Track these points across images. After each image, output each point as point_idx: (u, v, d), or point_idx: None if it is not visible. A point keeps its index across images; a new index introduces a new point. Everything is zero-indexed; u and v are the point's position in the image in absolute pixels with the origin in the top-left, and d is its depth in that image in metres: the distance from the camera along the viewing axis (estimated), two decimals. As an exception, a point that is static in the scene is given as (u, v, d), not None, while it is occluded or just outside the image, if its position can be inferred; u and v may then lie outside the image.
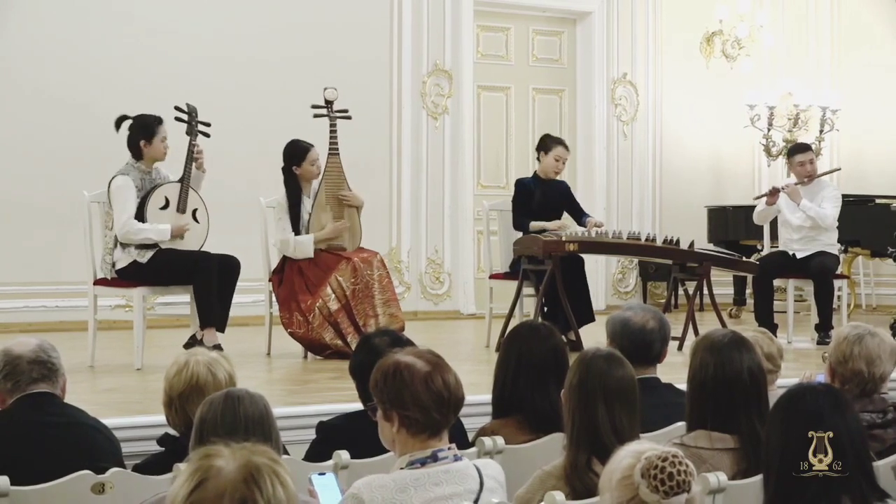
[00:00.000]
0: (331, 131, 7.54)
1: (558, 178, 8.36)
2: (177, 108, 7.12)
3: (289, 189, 7.46)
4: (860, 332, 3.99)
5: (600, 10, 11.46)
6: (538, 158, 8.28)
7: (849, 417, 2.82)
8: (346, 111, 7.61)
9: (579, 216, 8.26)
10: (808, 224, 8.36)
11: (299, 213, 7.44)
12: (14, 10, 9.16)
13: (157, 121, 6.93)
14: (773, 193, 8.55)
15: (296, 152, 7.46)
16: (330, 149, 7.51)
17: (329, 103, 7.59)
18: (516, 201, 8.21)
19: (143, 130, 6.89)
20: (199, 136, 7.10)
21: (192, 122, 7.10)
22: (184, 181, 6.96)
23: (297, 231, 7.41)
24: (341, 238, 7.51)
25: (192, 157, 6.99)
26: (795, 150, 8.76)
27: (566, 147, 8.29)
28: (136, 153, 6.92)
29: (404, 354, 3.10)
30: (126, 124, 6.94)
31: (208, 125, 7.13)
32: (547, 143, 8.24)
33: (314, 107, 7.60)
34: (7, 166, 9.01)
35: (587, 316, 7.81)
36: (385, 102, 10.34)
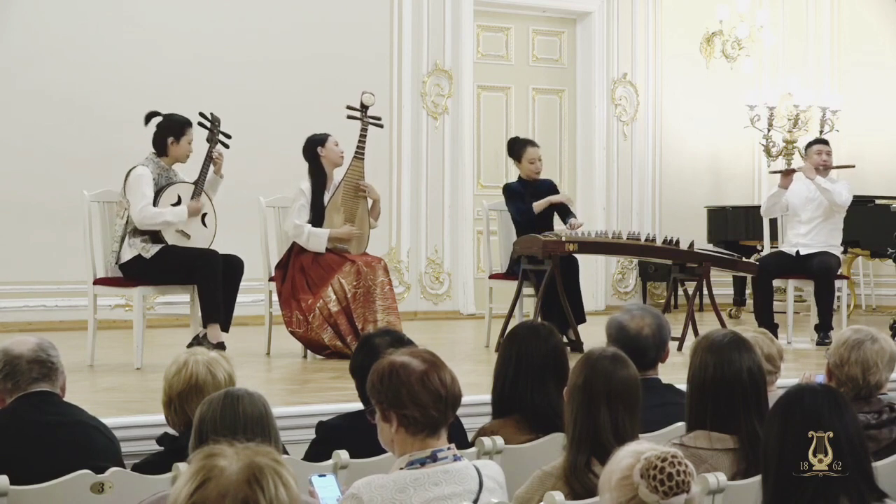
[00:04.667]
0: (360, 135, 7.53)
1: (542, 177, 8.36)
2: (201, 115, 7.15)
3: (315, 175, 7.44)
4: (861, 337, 3.97)
5: (600, 10, 11.46)
6: (517, 165, 8.29)
7: (847, 418, 2.82)
8: (379, 118, 7.63)
9: (565, 215, 8.23)
10: (820, 213, 8.35)
11: (321, 202, 7.41)
12: (14, 10, 9.16)
13: (188, 123, 6.99)
14: (788, 173, 8.59)
15: (318, 137, 7.47)
16: (356, 152, 7.50)
17: (364, 108, 7.59)
18: (511, 199, 8.19)
19: (173, 129, 6.93)
20: (219, 146, 7.12)
21: (213, 130, 7.13)
22: (198, 184, 6.99)
23: (315, 220, 7.39)
24: (347, 242, 7.49)
25: (209, 161, 7.03)
26: (814, 141, 8.86)
27: (534, 144, 8.30)
28: (162, 150, 6.94)
29: (399, 355, 3.10)
30: (155, 121, 6.96)
31: (229, 137, 7.17)
32: (516, 150, 8.25)
33: (349, 108, 7.60)
34: (7, 166, 9.01)
35: (578, 318, 7.81)
36: (385, 102, 10.33)
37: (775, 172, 8.96)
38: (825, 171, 8.48)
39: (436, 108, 10.67)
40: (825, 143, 8.79)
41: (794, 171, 8.64)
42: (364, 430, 3.51)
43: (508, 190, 8.30)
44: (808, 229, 8.43)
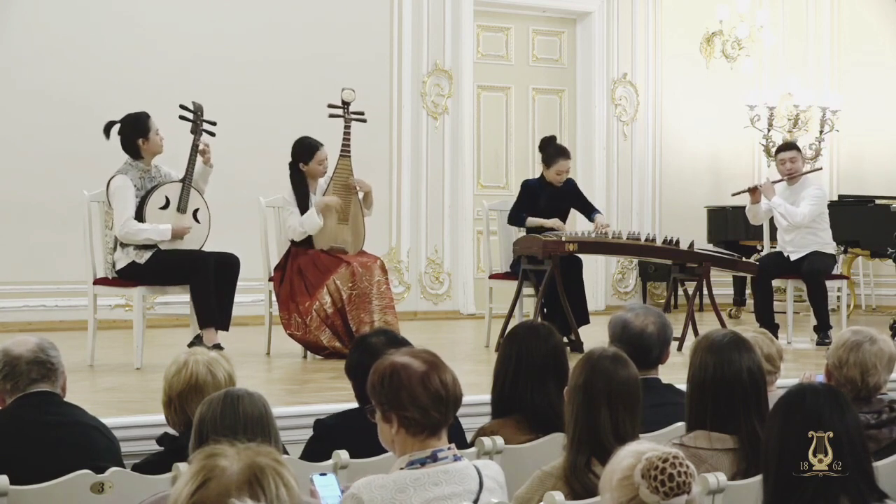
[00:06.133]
0: (344, 132, 7.52)
1: None
2: (182, 107, 7.11)
3: (295, 184, 7.43)
4: (859, 339, 3.96)
5: (600, 10, 11.46)
6: (543, 166, 8.25)
7: (848, 418, 2.82)
8: (361, 113, 7.60)
9: (589, 211, 8.24)
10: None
11: (308, 207, 7.40)
12: (14, 10, 9.16)
13: (146, 115, 6.92)
14: (753, 191, 8.59)
15: (304, 150, 7.42)
16: (342, 150, 7.49)
17: (346, 104, 7.57)
18: (517, 199, 8.22)
19: (137, 129, 6.87)
20: (204, 135, 7.09)
21: (197, 120, 7.08)
22: (185, 181, 6.95)
23: None
24: (344, 241, 7.48)
25: (195, 154, 6.98)
26: (780, 148, 8.88)
27: (567, 157, 8.19)
28: (135, 153, 6.90)
29: (400, 355, 3.09)
30: (115, 129, 6.92)
31: (214, 124, 7.12)
32: (548, 156, 8.14)
33: (330, 106, 7.58)
34: (7, 166, 9.01)
35: (582, 318, 7.81)
36: (385, 102, 10.34)
37: (737, 194, 8.96)
38: (793, 180, 8.47)
39: (436, 108, 10.67)
40: (791, 148, 8.73)
41: (756, 188, 8.60)
42: (361, 428, 3.53)
43: (524, 187, 8.28)
44: (792, 236, 8.44)
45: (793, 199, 8.41)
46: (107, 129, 6.90)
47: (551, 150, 8.20)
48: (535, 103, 11.46)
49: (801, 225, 8.32)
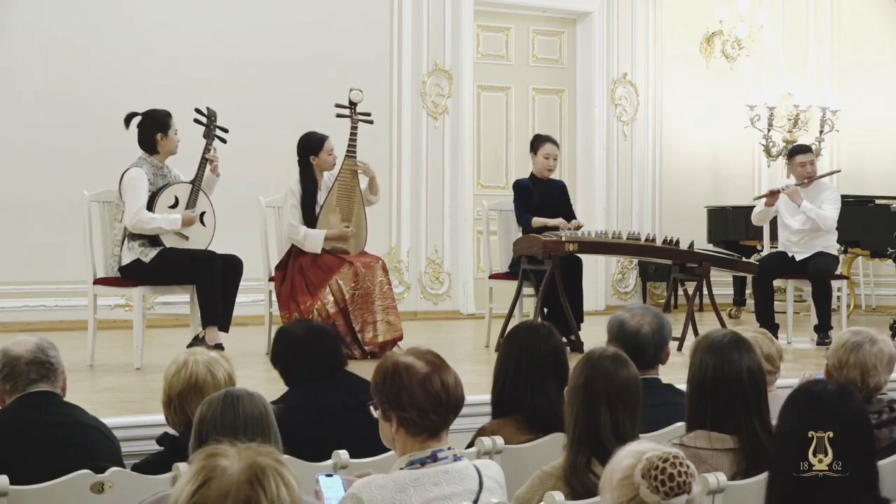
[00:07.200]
0: (351, 133, 7.51)
1: (555, 177, 8.37)
2: (197, 111, 7.15)
3: (304, 179, 7.44)
4: (859, 339, 3.96)
5: (600, 10, 11.46)
6: (532, 159, 8.31)
7: (855, 417, 2.82)
8: (368, 115, 7.60)
9: (567, 219, 8.24)
10: (808, 227, 8.36)
11: (314, 204, 7.41)
12: (14, 10, 9.16)
13: (168, 114, 6.99)
14: (773, 195, 8.55)
15: (313, 142, 7.45)
16: (348, 150, 7.49)
17: (353, 105, 7.57)
18: (517, 200, 8.24)
19: (158, 124, 6.93)
20: (216, 141, 7.12)
21: (210, 125, 7.13)
22: (195, 183, 6.99)
23: (308, 221, 7.39)
24: (345, 241, 7.50)
25: (205, 161, 7.02)
26: (796, 150, 8.75)
27: (554, 143, 8.29)
28: (151, 148, 6.94)
29: (405, 355, 3.10)
30: (136, 121, 6.96)
31: (226, 130, 7.16)
32: (535, 143, 8.28)
33: (337, 106, 7.58)
34: (8, 166, 9.01)
35: (577, 317, 7.81)
36: (385, 102, 10.33)
37: (760, 198, 8.90)
38: (810, 182, 8.46)
39: (436, 108, 10.67)
40: (807, 150, 8.69)
41: (778, 192, 8.57)
42: (311, 405, 3.83)
43: (517, 186, 8.30)
44: (799, 237, 8.44)
45: (809, 202, 8.40)
46: (127, 120, 6.94)
47: (539, 138, 8.34)
48: (535, 103, 11.47)
49: (831, 229, 8.34)
